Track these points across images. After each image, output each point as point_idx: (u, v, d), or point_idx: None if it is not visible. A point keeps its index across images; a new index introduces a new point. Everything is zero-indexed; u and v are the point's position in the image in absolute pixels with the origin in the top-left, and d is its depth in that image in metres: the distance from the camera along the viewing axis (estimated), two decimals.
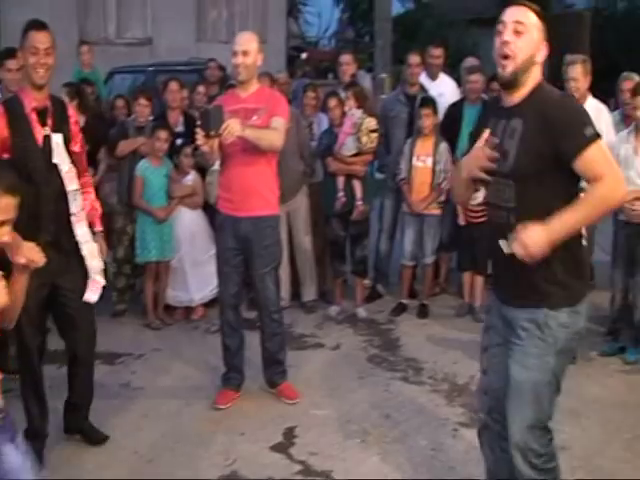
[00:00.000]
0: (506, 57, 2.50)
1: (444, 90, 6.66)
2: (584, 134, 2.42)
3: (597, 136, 2.44)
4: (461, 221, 5.82)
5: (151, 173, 5.65)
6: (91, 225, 3.76)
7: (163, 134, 5.63)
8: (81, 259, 3.62)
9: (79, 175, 3.67)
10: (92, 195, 3.85)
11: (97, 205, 3.88)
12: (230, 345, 4.38)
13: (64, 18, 13.08)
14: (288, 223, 5.97)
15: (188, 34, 14.97)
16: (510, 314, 2.65)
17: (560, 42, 8.11)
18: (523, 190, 2.50)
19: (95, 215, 3.82)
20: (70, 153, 3.60)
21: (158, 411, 4.24)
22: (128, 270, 5.84)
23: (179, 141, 5.94)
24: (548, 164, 2.45)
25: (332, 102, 5.83)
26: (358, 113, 5.71)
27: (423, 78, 6.64)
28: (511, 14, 2.53)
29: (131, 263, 5.82)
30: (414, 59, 6.27)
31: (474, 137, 2.74)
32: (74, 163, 3.62)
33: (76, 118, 3.79)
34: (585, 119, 2.47)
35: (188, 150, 5.77)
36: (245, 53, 4.12)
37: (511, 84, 2.54)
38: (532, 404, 2.58)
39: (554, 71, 5.81)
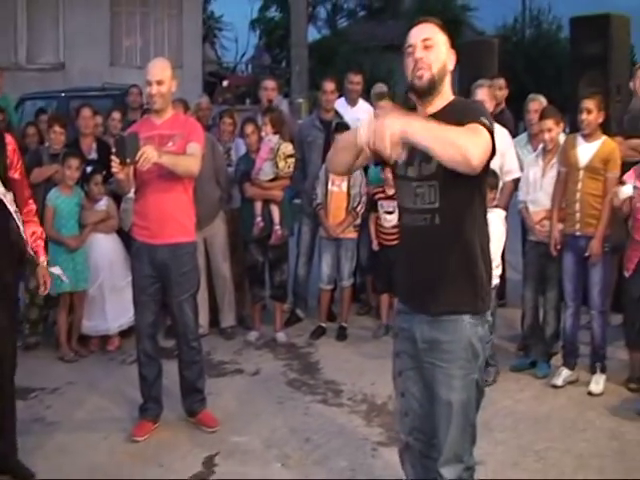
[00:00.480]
0: (421, 69, 2.58)
1: (362, 116, 6.79)
2: (479, 118, 2.46)
3: (488, 126, 2.46)
4: (374, 247, 5.93)
5: (62, 202, 5.55)
6: (35, 254, 3.73)
7: (74, 162, 5.54)
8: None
9: (22, 203, 3.63)
10: (36, 225, 3.79)
11: (42, 234, 3.83)
12: (147, 375, 4.32)
13: None
14: (205, 249, 5.96)
15: (102, 59, 14.81)
16: (427, 335, 2.66)
17: (470, 68, 8.49)
18: (446, 190, 2.56)
19: (39, 245, 3.77)
20: (9, 180, 3.56)
21: (75, 446, 4.14)
22: (41, 301, 5.69)
23: (89, 168, 5.86)
24: None
25: (249, 128, 5.87)
26: (275, 138, 5.77)
27: (342, 104, 6.77)
28: (417, 34, 2.62)
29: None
30: (329, 86, 6.38)
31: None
32: (14, 191, 3.58)
33: (14, 146, 3.72)
34: (487, 115, 2.53)
35: (99, 178, 5.70)
36: (159, 82, 4.12)
37: (429, 92, 2.60)
38: (462, 421, 2.66)
39: (466, 96, 6.04)
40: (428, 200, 2.60)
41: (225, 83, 12.91)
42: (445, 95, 2.65)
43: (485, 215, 2.70)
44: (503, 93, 6.89)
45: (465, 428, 2.67)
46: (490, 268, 2.69)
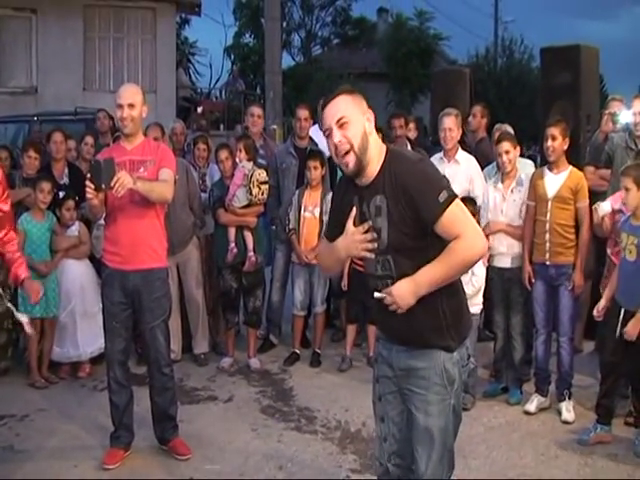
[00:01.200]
0: (345, 154, 2.60)
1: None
2: (438, 200, 2.53)
3: (451, 197, 2.55)
4: (343, 286, 5.92)
5: (33, 227, 5.50)
6: (16, 279, 3.80)
7: (46, 186, 5.50)
8: None
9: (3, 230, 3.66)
10: (14, 247, 3.81)
11: (20, 256, 3.86)
12: (118, 402, 4.26)
13: None
14: (178, 275, 5.93)
15: (75, 83, 14.77)
16: (405, 363, 2.72)
17: (443, 97, 8.60)
18: (400, 260, 2.62)
19: (20, 265, 3.80)
20: None
21: (44, 474, 4.06)
22: (9, 325, 5.60)
23: (61, 193, 5.83)
24: (417, 228, 2.57)
25: (223, 154, 5.89)
26: (249, 165, 5.79)
27: (316, 131, 6.79)
28: (330, 116, 2.61)
29: (13, 318, 5.58)
30: (303, 113, 6.43)
31: (336, 211, 2.82)
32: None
33: (1, 176, 3.72)
34: (437, 184, 2.57)
35: (71, 203, 5.67)
36: (131, 106, 4.11)
37: (359, 172, 2.63)
38: (440, 445, 2.68)
39: (437, 123, 6.12)
40: (385, 269, 2.67)
41: (199, 109, 12.93)
42: (374, 158, 2.63)
43: None
44: (480, 121, 6.92)
45: (443, 454, 2.69)
46: (459, 305, 2.73)
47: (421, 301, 2.60)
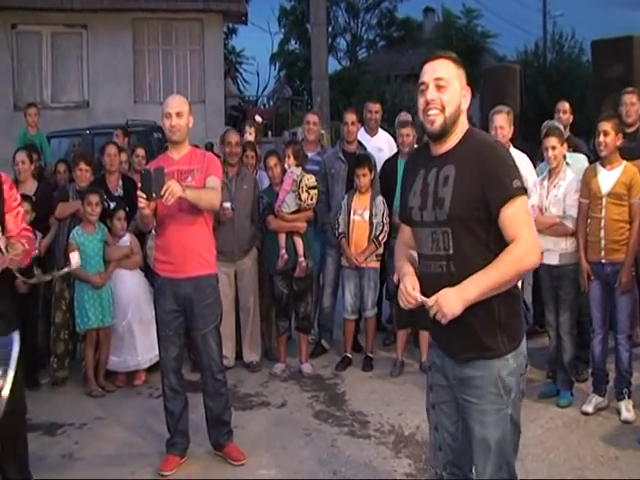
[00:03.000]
0: (434, 112, 2.56)
1: (382, 145, 6.82)
2: (511, 185, 2.49)
3: (523, 190, 2.52)
4: (395, 279, 5.84)
5: (85, 239, 5.62)
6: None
7: (94, 198, 5.61)
8: None
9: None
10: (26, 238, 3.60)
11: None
12: (173, 409, 4.32)
13: None
14: (235, 283, 5.98)
15: (125, 96, 15.04)
16: (459, 372, 2.65)
17: (492, 95, 8.48)
18: (460, 236, 2.53)
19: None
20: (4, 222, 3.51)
21: None
22: (66, 335, 5.73)
23: (112, 204, 5.96)
24: (481, 208, 2.50)
25: (271, 161, 5.92)
26: (297, 170, 5.80)
27: (362, 133, 6.80)
28: (430, 72, 2.59)
29: (69, 328, 5.72)
30: (350, 117, 6.42)
31: (402, 189, 2.82)
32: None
33: (10, 184, 3.62)
34: (514, 170, 2.54)
35: (122, 213, 5.77)
36: (179, 114, 4.17)
37: (442, 136, 2.59)
38: (497, 456, 2.62)
39: (486, 122, 6.04)
40: (442, 246, 2.58)
41: (259, 118, 12.90)
42: (457, 134, 2.62)
43: None
44: (567, 117, 6.73)
45: (501, 465, 2.62)
46: (514, 305, 2.64)
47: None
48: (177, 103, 4.23)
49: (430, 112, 2.57)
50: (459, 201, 2.51)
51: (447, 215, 2.54)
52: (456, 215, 2.52)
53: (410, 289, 2.60)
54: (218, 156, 5.28)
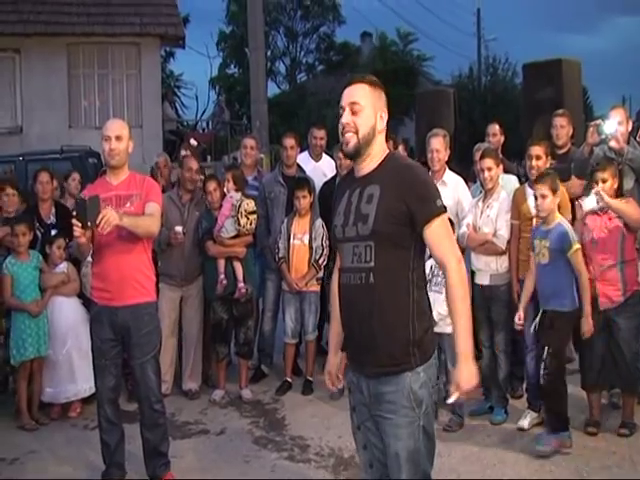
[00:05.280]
0: (348, 134, 2.72)
1: (327, 170, 6.85)
2: (435, 204, 2.66)
3: (444, 209, 2.70)
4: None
5: (19, 268, 5.48)
6: None
7: (22, 228, 5.48)
8: None
9: None
10: None
11: None
12: (109, 441, 4.23)
13: None
14: (180, 308, 5.93)
15: (60, 121, 14.78)
16: (373, 389, 2.72)
17: (428, 118, 8.63)
18: (382, 250, 2.66)
19: None
20: None
21: None
22: None
23: (53, 232, 5.84)
24: (404, 224, 2.64)
25: (211, 185, 5.90)
26: (237, 195, 5.78)
27: (304, 158, 6.82)
28: (347, 96, 2.76)
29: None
30: (289, 142, 6.45)
31: (335, 209, 2.90)
32: None
33: None
34: (435, 190, 2.73)
35: (61, 241, 5.67)
36: (118, 138, 4.13)
37: (356, 155, 2.75)
38: (411, 467, 2.67)
39: (422, 144, 6.14)
40: (364, 259, 2.69)
41: (193, 142, 12.85)
42: (376, 155, 2.76)
43: (422, 271, 2.76)
44: (498, 139, 6.83)
45: (417, 476, 2.67)
46: (426, 321, 2.73)
47: (391, 313, 2.64)
48: (117, 126, 4.20)
49: (345, 134, 2.73)
50: (384, 217, 2.65)
51: (370, 230, 2.67)
52: (380, 230, 2.65)
53: (334, 377, 3.05)
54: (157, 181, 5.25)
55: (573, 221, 4.96)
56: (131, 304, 4.15)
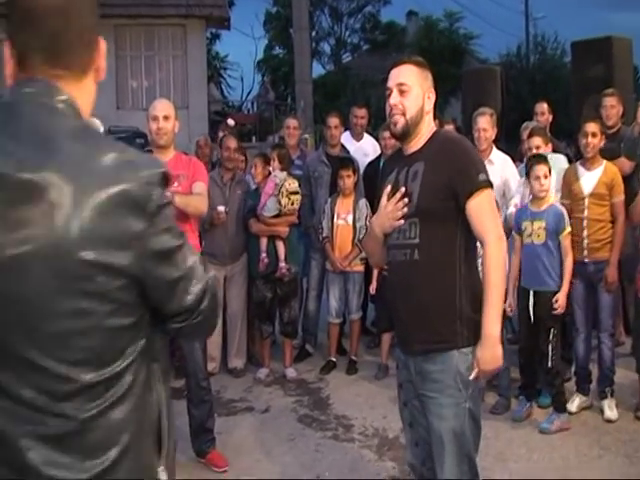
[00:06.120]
0: (396, 115, 2.71)
1: (368, 150, 6.80)
2: (477, 178, 2.61)
3: (489, 183, 2.64)
4: (372, 290, 5.88)
5: None
6: None
7: None
8: None
9: None
10: None
11: None
12: None
13: None
14: (224, 287, 5.95)
15: (108, 102, 14.96)
16: (418, 366, 2.70)
17: (474, 96, 8.51)
18: (427, 226, 2.63)
19: None
20: None
21: None
22: None
23: None
24: (449, 200, 2.61)
25: (257, 164, 5.90)
26: (281, 175, 5.77)
27: (347, 138, 6.78)
28: (394, 77, 2.74)
29: None
30: (333, 121, 6.41)
31: (379, 191, 2.88)
32: None
33: None
34: (480, 164, 2.69)
35: None
36: (166, 118, 4.15)
37: (404, 136, 2.74)
38: (456, 450, 2.63)
39: (469, 123, 6.05)
40: (409, 235, 2.67)
41: (231, 122, 12.92)
42: (424, 135, 2.75)
43: (471, 249, 2.71)
44: (546, 118, 6.66)
45: (461, 459, 2.64)
46: (477, 303, 2.65)
47: (437, 289, 2.61)
48: (164, 106, 4.22)
49: (394, 116, 2.72)
50: (427, 193, 2.63)
51: (415, 206, 2.64)
52: (424, 206, 2.63)
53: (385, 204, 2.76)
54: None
55: (627, 201, 4.82)
56: None
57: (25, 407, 1.32)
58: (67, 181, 1.30)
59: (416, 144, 2.74)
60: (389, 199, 2.72)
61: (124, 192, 1.33)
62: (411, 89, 2.70)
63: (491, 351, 2.57)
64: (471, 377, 2.61)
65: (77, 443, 1.35)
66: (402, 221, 2.68)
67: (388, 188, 2.74)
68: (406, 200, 2.66)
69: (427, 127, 2.76)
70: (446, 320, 2.62)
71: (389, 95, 2.74)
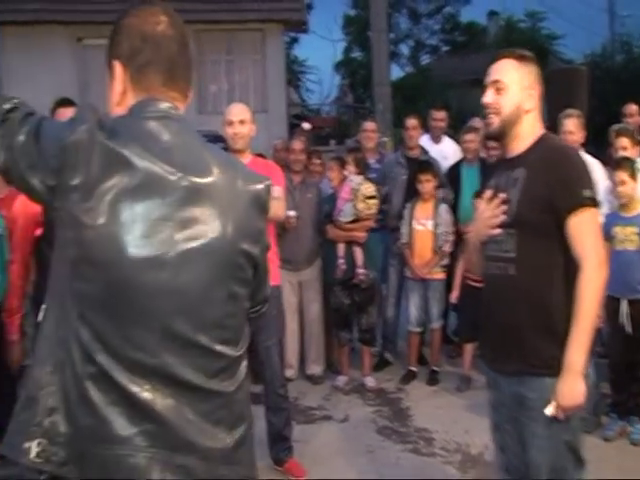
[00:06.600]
0: (491, 115, 2.55)
1: (447, 153, 6.66)
2: (582, 193, 2.39)
3: (594, 202, 2.41)
4: (452, 299, 5.71)
5: None
6: None
7: None
8: None
9: None
10: None
11: None
12: None
13: None
14: (300, 293, 5.89)
15: (189, 107, 15.11)
16: (512, 389, 2.52)
17: (559, 97, 8.23)
18: (524, 239, 2.45)
19: None
20: None
21: None
22: None
23: None
24: (547, 211, 2.41)
25: (333, 168, 5.82)
26: (357, 179, 5.68)
27: (426, 141, 6.66)
28: (491, 74, 2.57)
29: None
30: (411, 122, 6.30)
31: (478, 196, 2.77)
32: None
33: None
34: (586, 179, 2.44)
35: None
36: (242, 122, 4.15)
37: (499, 137, 2.59)
38: None
39: (555, 125, 5.83)
40: (505, 248, 2.49)
41: (307, 125, 12.93)
42: (525, 136, 2.54)
43: (571, 265, 2.44)
44: (635, 120, 6.48)
45: None
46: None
47: (534, 308, 2.42)
48: (240, 110, 4.23)
49: (487, 115, 2.56)
50: (527, 203, 2.44)
51: (514, 216, 2.46)
52: (523, 217, 2.44)
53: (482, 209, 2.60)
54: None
55: None
56: None
57: (185, 387, 1.47)
58: (223, 183, 1.55)
59: (517, 147, 2.55)
60: (488, 204, 2.56)
61: (258, 194, 1.64)
62: (507, 86, 2.52)
63: (571, 385, 2.34)
64: (547, 412, 2.38)
65: (224, 416, 1.54)
66: (499, 230, 2.51)
67: (488, 193, 2.58)
68: (504, 207, 2.49)
69: (529, 128, 2.55)
70: (544, 343, 2.42)
71: (484, 93, 2.58)
